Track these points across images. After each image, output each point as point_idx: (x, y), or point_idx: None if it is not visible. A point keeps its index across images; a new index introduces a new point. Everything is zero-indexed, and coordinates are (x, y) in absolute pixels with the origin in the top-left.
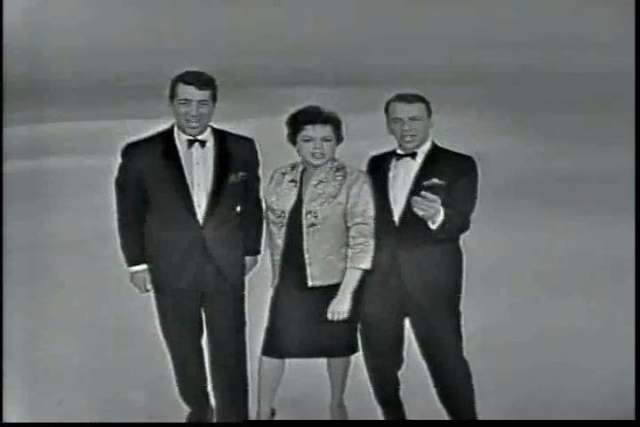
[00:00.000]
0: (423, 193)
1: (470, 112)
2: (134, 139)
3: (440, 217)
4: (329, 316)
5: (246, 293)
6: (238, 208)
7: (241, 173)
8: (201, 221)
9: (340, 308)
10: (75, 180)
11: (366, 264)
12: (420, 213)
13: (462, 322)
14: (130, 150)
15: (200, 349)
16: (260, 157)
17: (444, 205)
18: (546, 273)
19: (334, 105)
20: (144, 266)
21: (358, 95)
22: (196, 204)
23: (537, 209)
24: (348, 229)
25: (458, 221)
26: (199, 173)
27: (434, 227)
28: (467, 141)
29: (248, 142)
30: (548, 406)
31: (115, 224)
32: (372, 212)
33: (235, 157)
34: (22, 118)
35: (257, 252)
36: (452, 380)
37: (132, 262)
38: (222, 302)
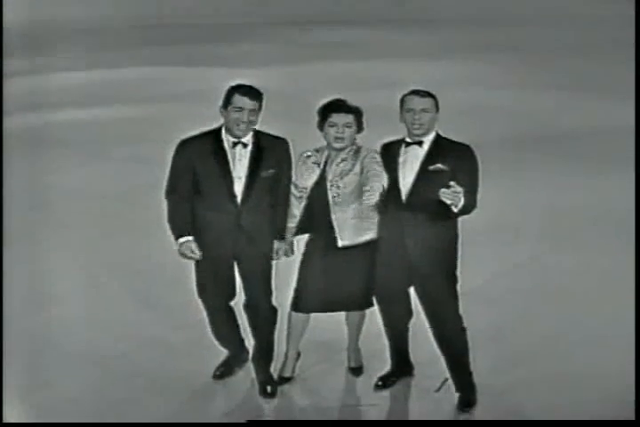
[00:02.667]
0: (452, 183)
1: (474, 58)
2: (186, 136)
3: (461, 203)
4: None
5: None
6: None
7: (271, 170)
8: (239, 205)
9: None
10: (77, 132)
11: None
12: (448, 201)
13: (461, 280)
14: (183, 146)
15: (231, 308)
16: (292, 156)
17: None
18: (546, 229)
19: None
20: (190, 237)
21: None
22: (236, 192)
23: (537, 164)
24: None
25: (471, 203)
26: (239, 168)
27: (456, 210)
28: (470, 93)
29: (281, 142)
30: (540, 353)
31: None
32: (381, 170)
33: (267, 156)
34: (21, 67)
35: (282, 237)
36: (450, 333)
37: (179, 235)
38: (253, 265)
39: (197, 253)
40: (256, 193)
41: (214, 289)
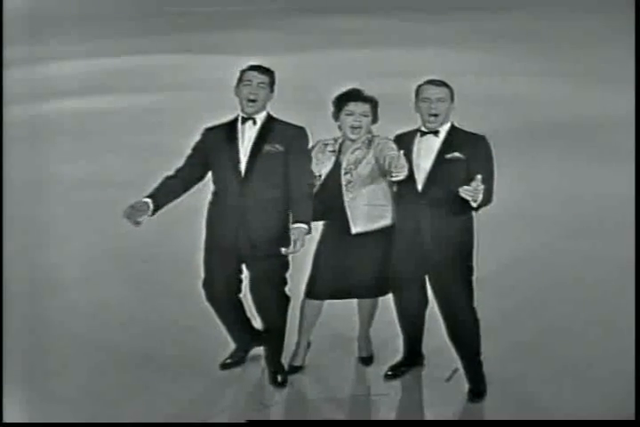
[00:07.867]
0: (478, 177)
1: (485, 48)
2: (211, 125)
3: (480, 198)
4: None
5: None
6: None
7: (277, 146)
8: (242, 177)
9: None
10: (78, 122)
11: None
12: (470, 198)
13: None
14: (206, 132)
15: (239, 300)
16: (309, 144)
17: (467, 179)
18: (558, 217)
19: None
20: (148, 199)
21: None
22: (241, 165)
23: (549, 153)
24: (384, 176)
25: (487, 196)
26: (247, 144)
27: (475, 205)
28: (480, 82)
29: (296, 128)
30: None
31: None
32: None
33: (276, 134)
34: (22, 56)
35: (307, 223)
36: (462, 324)
37: (148, 195)
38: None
39: (139, 220)
40: (259, 170)
41: (221, 282)
